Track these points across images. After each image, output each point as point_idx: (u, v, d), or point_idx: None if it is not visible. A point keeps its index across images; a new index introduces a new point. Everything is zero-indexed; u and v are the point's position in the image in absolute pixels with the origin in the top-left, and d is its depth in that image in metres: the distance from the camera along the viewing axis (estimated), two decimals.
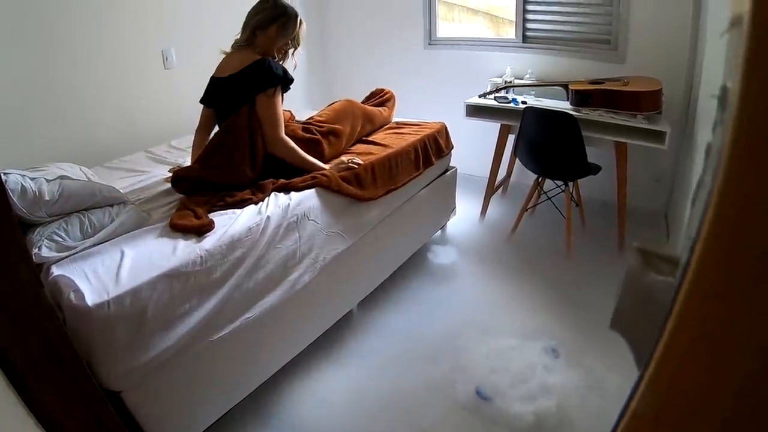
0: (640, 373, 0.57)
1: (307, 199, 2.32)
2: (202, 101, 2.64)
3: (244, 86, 2.39)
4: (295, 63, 2.65)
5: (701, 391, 0.50)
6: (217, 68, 2.58)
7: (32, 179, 1.86)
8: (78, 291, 1.57)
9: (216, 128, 2.61)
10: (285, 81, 2.45)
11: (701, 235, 0.46)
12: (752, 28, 0.39)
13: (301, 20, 2.53)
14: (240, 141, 2.37)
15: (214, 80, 2.57)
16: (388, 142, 2.94)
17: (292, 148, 2.48)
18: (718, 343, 0.47)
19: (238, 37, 2.54)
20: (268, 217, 2.13)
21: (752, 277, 0.44)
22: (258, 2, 2.49)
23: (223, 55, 2.58)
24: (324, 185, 2.40)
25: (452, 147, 3.34)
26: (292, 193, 2.33)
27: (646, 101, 2.99)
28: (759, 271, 0.43)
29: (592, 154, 3.10)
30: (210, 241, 1.93)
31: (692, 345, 0.49)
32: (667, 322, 0.51)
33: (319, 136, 2.68)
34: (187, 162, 2.77)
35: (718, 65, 2.02)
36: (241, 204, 2.21)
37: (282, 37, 2.49)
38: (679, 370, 0.51)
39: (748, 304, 0.44)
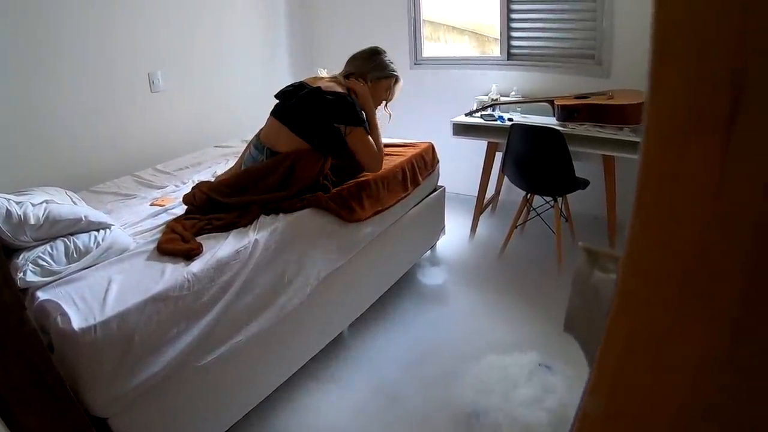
0: (589, 373, 0.56)
1: (295, 221, 2.31)
2: (277, 96, 2.68)
3: (323, 108, 2.48)
4: (389, 114, 2.92)
5: (644, 388, 0.49)
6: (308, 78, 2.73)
7: (17, 203, 1.85)
8: (65, 315, 1.55)
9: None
10: (364, 121, 2.57)
11: (629, 234, 0.47)
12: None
13: (398, 79, 2.80)
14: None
15: (298, 83, 2.67)
16: None
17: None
18: (657, 334, 0.46)
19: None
20: (256, 240, 2.11)
21: (686, 268, 0.43)
22: (372, 52, 2.76)
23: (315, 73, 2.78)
24: (313, 204, 2.39)
25: (438, 162, 3.35)
26: (281, 215, 2.31)
27: (632, 114, 3.01)
28: (693, 262, 0.43)
29: (580, 169, 3.11)
30: (197, 264, 1.91)
31: (630, 338, 0.49)
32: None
33: None
34: (176, 186, 2.77)
35: None
36: (228, 227, 2.19)
37: (377, 92, 2.74)
38: (620, 369, 0.50)
39: (685, 293, 0.44)
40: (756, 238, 0.39)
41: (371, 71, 2.70)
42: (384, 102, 2.83)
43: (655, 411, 0.49)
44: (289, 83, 2.70)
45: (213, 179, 2.69)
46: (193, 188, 2.45)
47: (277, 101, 2.65)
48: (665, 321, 0.46)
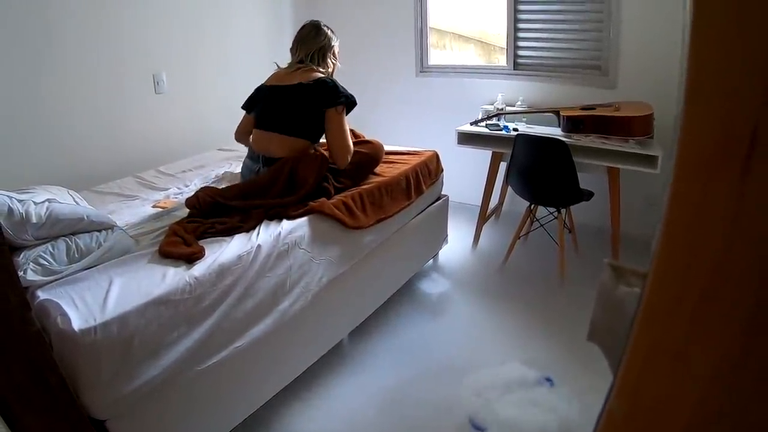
0: (613, 377, 0.61)
1: (298, 227, 2.29)
2: (244, 107, 2.83)
3: (310, 99, 2.54)
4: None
5: (664, 391, 0.53)
6: (269, 78, 2.77)
7: (19, 201, 1.83)
8: (64, 315, 1.52)
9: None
10: (352, 102, 2.61)
11: (657, 247, 0.51)
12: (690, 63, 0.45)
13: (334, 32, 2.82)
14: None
15: (264, 88, 2.74)
16: (379, 170, 2.92)
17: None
18: (678, 344, 0.51)
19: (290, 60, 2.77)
20: (259, 245, 2.09)
21: (705, 286, 0.48)
22: (315, 26, 2.74)
23: (276, 68, 2.79)
24: (316, 210, 2.38)
25: (442, 170, 3.34)
26: (284, 221, 2.29)
27: (638, 126, 3.00)
28: (712, 280, 0.47)
29: (584, 180, 3.10)
30: (199, 268, 1.88)
31: (653, 347, 0.53)
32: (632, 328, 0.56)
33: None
34: (179, 188, 2.77)
35: None
36: (231, 231, 2.17)
37: (334, 59, 2.81)
38: (644, 373, 0.55)
39: (704, 311, 0.48)
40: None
41: (328, 45, 2.74)
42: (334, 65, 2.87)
43: (674, 413, 0.54)
44: (253, 91, 2.81)
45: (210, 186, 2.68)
46: (197, 192, 2.44)
47: (248, 112, 2.81)
48: (685, 332, 0.50)
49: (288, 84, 2.60)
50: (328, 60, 2.74)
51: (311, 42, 2.68)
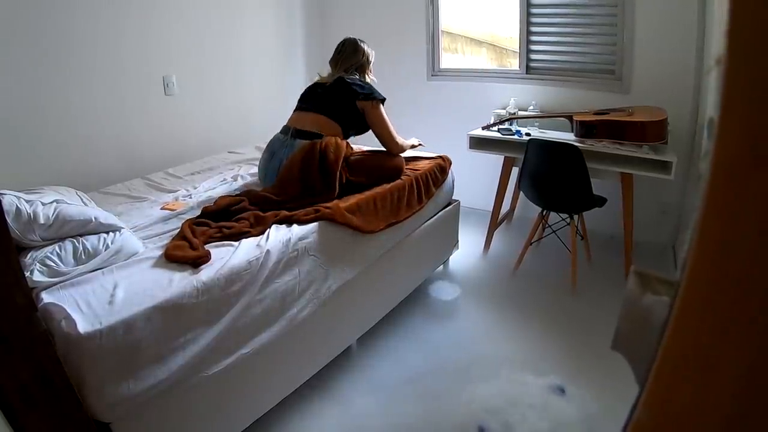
0: (640, 387, 0.61)
1: (309, 233, 2.27)
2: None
3: (346, 90, 2.83)
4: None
5: (695, 400, 0.53)
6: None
7: (27, 201, 1.82)
8: (69, 318, 1.51)
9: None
10: (384, 99, 2.91)
11: (689, 254, 0.51)
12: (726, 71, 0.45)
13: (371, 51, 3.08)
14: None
15: (309, 86, 3.04)
16: None
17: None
18: (709, 354, 0.51)
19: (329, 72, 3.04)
20: (268, 251, 2.07)
21: (737, 294, 0.47)
22: (354, 43, 2.99)
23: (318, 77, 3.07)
24: (328, 217, 2.35)
25: (453, 175, 3.31)
26: (294, 226, 2.27)
27: (652, 131, 2.96)
28: (744, 289, 0.47)
29: (597, 186, 3.06)
30: (207, 273, 1.86)
31: (684, 356, 0.53)
32: (662, 337, 0.56)
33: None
34: (187, 190, 2.77)
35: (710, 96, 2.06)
36: (239, 236, 2.15)
37: (371, 73, 3.08)
38: (674, 383, 0.55)
39: (735, 319, 0.48)
40: None
41: (367, 61, 3.01)
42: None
43: (703, 423, 0.53)
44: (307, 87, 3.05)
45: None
46: (242, 193, 2.60)
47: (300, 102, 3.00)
48: (717, 341, 0.50)
49: (329, 82, 2.89)
50: (366, 75, 3.01)
51: (351, 58, 2.95)
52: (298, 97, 3.01)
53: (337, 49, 3.01)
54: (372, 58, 3.04)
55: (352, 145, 2.92)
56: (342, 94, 2.81)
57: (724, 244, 0.48)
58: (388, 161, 2.91)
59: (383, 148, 3.00)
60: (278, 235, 2.18)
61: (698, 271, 0.50)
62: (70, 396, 1.33)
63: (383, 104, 2.89)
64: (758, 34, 0.42)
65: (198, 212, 2.38)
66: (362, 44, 2.99)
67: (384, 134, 2.90)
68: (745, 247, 0.46)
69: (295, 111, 2.95)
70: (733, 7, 0.43)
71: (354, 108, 2.81)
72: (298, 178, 2.58)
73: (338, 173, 2.60)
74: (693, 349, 0.52)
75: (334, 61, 2.99)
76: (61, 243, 1.84)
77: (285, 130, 2.84)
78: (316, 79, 3.05)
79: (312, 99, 2.91)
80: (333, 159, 2.61)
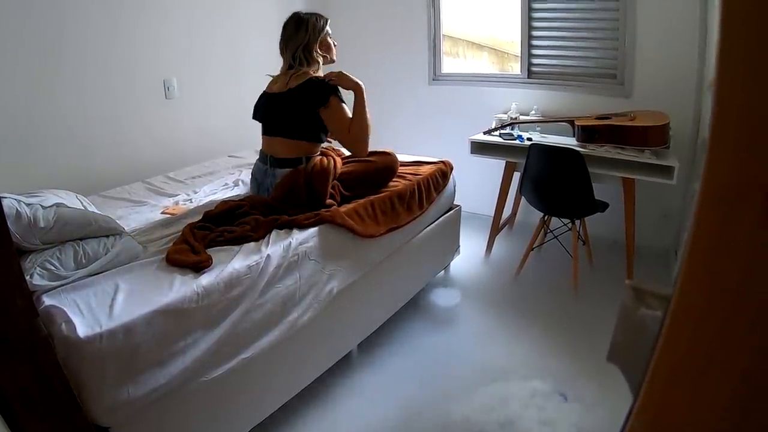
0: (634, 398, 0.63)
1: (309, 237, 2.26)
2: (253, 116, 2.77)
3: (302, 103, 2.52)
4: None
5: (687, 411, 0.56)
6: (268, 84, 2.77)
7: (28, 205, 1.82)
8: (69, 322, 1.51)
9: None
10: (334, 90, 2.55)
11: (680, 271, 0.54)
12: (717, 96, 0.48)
13: (326, 19, 2.68)
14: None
15: (264, 96, 2.74)
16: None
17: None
18: (699, 366, 0.53)
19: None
20: (269, 255, 2.06)
21: (726, 311, 0.50)
22: (296, 20, 2.62)
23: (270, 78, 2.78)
24: (328, 220, 2.35)
25: (454, 180, 3.29)
26: (294, 231, 2.27)
27: (654, 136, 2.95)
28: (733, 305, 0.50)
29: (599, 191, 3.05)
30: (208, 277, 1.86)
31: (675, 369, 0.56)
32: (654, 350, 0.58)
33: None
34: (187, 194, 2.77)
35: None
36: (240, 240, 2.14)
37: (327, 49, 2.71)
38: (666, 394, 0.57)
39: (727, 332, 0.51)
40: None
41: (311, 38, 2.60)
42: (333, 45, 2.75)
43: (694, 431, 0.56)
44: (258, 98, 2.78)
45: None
46: (243, 198, 2.57)
47: (255, 119, 2.75)
48: (707, 355, 0.53)
49: (283, 91, 2.58)
50: (314, 55, 2.62)
51: (294, 40, 2.59)
52: (255, 104, 2.77)
53: (281, 32, 2.66)
54: (323, 29, 2.63)
55: (337, 155, 2.81)
56: (299, 109, 2.54)
57: (712, 264, 0.51)
58: (377, 163, 2.79)
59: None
60: (279, 240, 2.18)
61: (689, 288, 0.54)
62: (69, 400, 1.32)
63: (337, 95, 2.55)
64: (748, 63, 0.45)
65: (199, 216, 2.37)
66: (306, 16, 2.61)
67: (344, 136, 2.60)
68: (733, 268, 0.49)
69: (262, 134, 2.70)
70: (723, 35, 0.46)
71: (316, 117, 2.55)
72: (289, 204, 2.49)
73: (329, 194, 2.53)
74: (683, 361, 0.55)
75: (282, 47, 2.66)
76: (61, 246, 1.84)
77: (263, 157, 2.67)
78: (267, 85, 2.78)
79: (269, 118, 2.65)
80: (320, 186, 2.51)
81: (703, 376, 0.53)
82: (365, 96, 2.61)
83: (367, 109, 2.62)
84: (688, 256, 0.52)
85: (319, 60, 2.65)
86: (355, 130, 2.58)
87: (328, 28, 2.67)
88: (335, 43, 2.75)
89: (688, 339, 0.54)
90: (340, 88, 2.58)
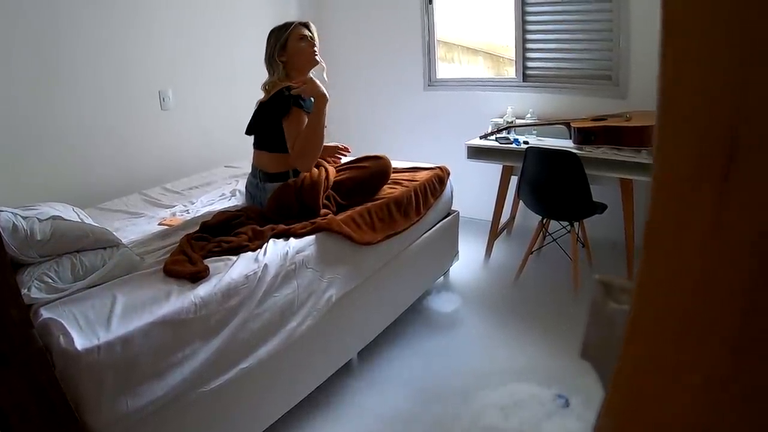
0: (603, 397, 0.62)
1: (306, 245, 2.25)
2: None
3: (270, 116, 2.50)
4: (323, 66, 2.75)
5: (653, 407, 0.54)
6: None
7: (24, 218, 1.82)
8: (67, 334, 1.51)
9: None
10: (294, 100, 2.44)
11: (640, 262, 0.52)
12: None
13: (295, 24, 2.62)
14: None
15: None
16: (386, 186, 2.87)
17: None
18: (665, 361, 0.52)
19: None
20: (266, 264, 2.06)
21: (689, 301, 0.49)
22: (268, 36, 2.64)
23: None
24: (324, 227, 2.34)
25: (451, 186, 3.29)
26: (291, 239, 2.26)
27: (650, 136, 2.94)
28: (696, 295, 0.48)
29: (597, 193, 3.05)
30: (205, 288, 1.85)
31: (640, 364, 0.54)
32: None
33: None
34: (185, 205, 2.77)
35: None
36: (237, 250, 2.14)
37: (296, 56, 2.60)
38: (631, 391, 0.56)
39: (689, 324, 0.49)
40: (752, 272, 0.44)
41: (275, 46, 2.59)
42: (313, 54, 2.64)
43: (662, 428, 0.54)
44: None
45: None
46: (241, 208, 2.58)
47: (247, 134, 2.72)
48: (671, 348, 0.51)
49: (262, 102, 2.60)
50: (277, 63, 2.58)
51: (266, 52, 2.63)
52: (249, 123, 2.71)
53: None
54: (286, 37, 2.57)
55: (331, 164, 2.79)
56: (270, 121, 2.50)
57: (670, 253, 0.49)
58: (371, 167, 2.76)
59: (361, 156, 2.89)
60: (276, 249, 2.17)
61: (649, 279, 0.52)
62: (67, 413, 1.32)
63: (301, 105, 2.46)
64: (697, 32, 0.43)
65: (196, 227, 2.36)
66: (272, 30, 2.63)
67: (293, 149, 2.46)
68: (694, 256, 0.48)
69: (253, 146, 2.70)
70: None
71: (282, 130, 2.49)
72: (283, 217, 2.47)
73: (322, 206, 2.50)
74: (648, 357, 0.54)
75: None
76: (58, 259, 1.84)
77: (254, 171, 2.67)
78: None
79: (253, 131, 2.66)
80: (311, 201, 2.47)
81: (669, 368, 0.52)
82: (326, 110, 2.47)
83: (324, 124, 2.48)
84: (646, 242, 0.51)
85: (280, 65, 2.58)
86: (300, 142, 2.43)
87: (304, 31, 2.61)
88: (316, 46, 2.66)
89: (652, 332, 0.53)
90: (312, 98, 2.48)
